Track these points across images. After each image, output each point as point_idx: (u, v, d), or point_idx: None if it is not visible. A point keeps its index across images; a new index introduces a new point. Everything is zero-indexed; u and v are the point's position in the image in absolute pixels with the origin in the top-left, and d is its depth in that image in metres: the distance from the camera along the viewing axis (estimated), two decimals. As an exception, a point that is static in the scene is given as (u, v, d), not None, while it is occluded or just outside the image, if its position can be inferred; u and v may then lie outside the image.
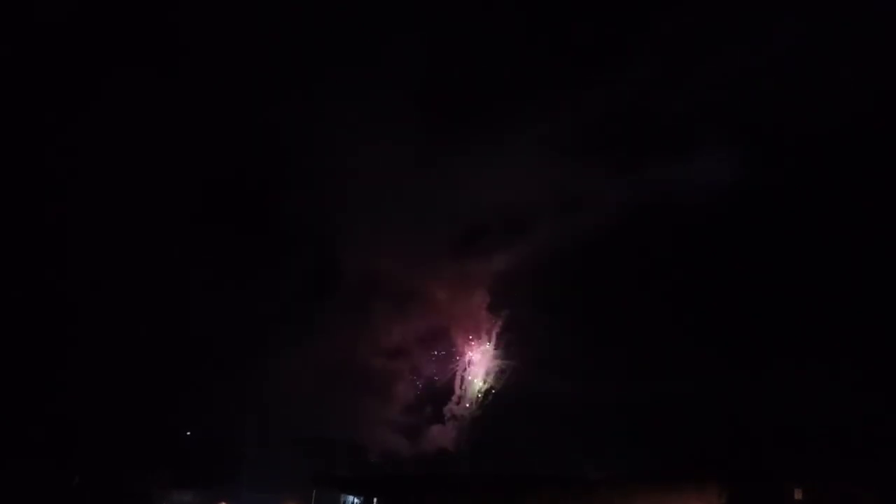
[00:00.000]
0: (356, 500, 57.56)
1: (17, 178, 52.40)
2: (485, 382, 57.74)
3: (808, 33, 46.52)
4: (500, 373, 57.33)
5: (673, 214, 50.03)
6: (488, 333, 57.91)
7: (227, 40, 52.55)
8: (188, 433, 60.86)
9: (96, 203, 54.11)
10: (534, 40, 52.87)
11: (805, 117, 45.77)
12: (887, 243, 42.64)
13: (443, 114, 54.43)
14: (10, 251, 52.62)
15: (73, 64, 52.15)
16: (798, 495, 38.58)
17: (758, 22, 48.78)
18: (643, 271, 50.67)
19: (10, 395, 52.27)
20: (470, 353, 58.67)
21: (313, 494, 57.03)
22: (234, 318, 56.82)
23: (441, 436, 57.23)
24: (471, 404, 57.81)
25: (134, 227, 55.06)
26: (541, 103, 53.24)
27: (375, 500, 55.40)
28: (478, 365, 58.27)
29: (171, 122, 53.83)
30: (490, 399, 57.27)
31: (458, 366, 58.69)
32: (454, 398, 58.25)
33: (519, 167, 54.04)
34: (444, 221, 56.40)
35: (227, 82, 54.41)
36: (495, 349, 57.75)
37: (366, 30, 53.75)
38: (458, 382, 58.48)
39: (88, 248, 54.49)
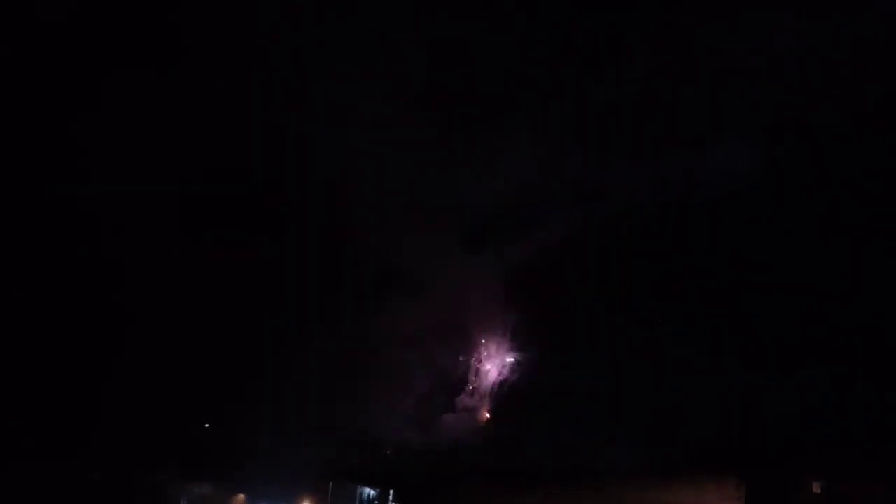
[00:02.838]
0: (372, 493, 58.61)
1: (27, 178, 52.77)
2: (499, 374, 58.51)
3: (814, 24, 46.76)
4: (515, 365, 58.15)
5: (691, 207, 50.69)
6: (503, 325, 58.58)
7: (229, 40, 52.67)
8: (206, 426, 61.45)
9: (104, 201, 54.37)
10: (543, 32, 53.42)
11: (819, 109, 46.00)
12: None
13: (456, 104, 55.05)
14: (24, 250, 53.01)
15: (76, 64, 52.35)
16: (817, 489, 39.57)
17: (764, 14, 49.24)
18: (660, 263, 51.41)
19: (29, 393, 52.87)
20: (484, 345, 59.39)
21: (329, 487, 57.94)
22: (247, 311, 57.41)
23: (453, 427, 57.96)
24: (484, 396, 58.63)
25: (143, 225, 55.45)
26: (554, 95, 53.71)
27: (391, 492, 56.51)
28: (492, 357, 59.00)
29: (177, 123, 54.03)
30: (504, 392, 58.05)
31: (471, 357, 59.46)
32: (467, 389, 59.02)
33: (533, 159, 54.45)
34: (458, 212, 57.21)
35: (234, 81, 54.58)
36: (510, 341, 58.49)
37: (370, 24, 53.91)
38: (471, 374, 59.25)
39: (99, 247, 54.98)
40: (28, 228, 53.76)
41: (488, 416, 58.03)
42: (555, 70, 53.19)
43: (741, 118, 50.62)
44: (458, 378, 59.14)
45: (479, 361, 59.21)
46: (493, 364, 58.84)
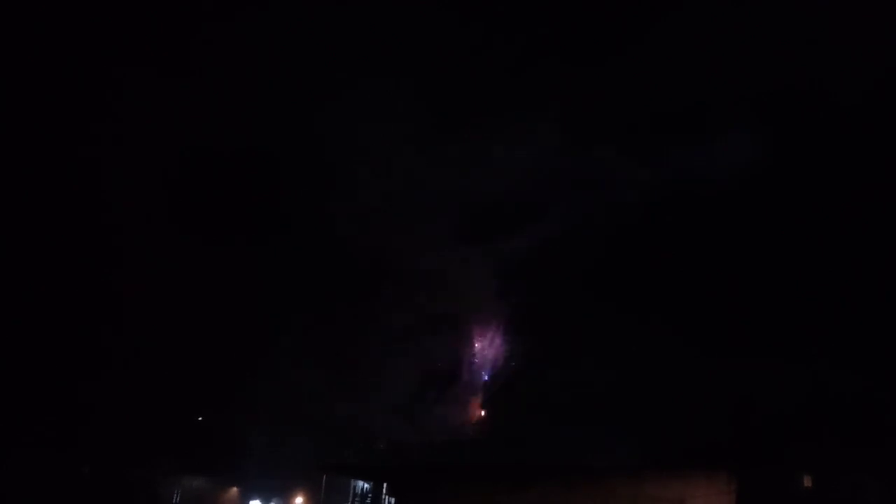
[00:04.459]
0: (366, 487, 58.33)
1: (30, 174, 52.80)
2: (492, 369, 58.18)
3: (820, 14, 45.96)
4: (508, 359, 57.76)
5: (685, 201, 50.12)
6: (497, 319, 58.15)
7: (234, 37, 52.62)
8: (199, 419, 61.38)
9: (106, 196, 54.34)
10: (540, 30, 53.23)
11: (821, 97, 45.89)
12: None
13: (454, 96, 55.01)
14: (23, 247, 53.05)
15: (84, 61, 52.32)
16: (808, 483, 39.24)
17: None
18: (654, 258, 50.83)
19: (22, 387, 52.82)
20: (477, 339, 59.04)
21: (323, 481, 57.69)
22: (241, 306, 57.28)
23: (445, 420, 57.62)
24: (477, 390, 58.30)
25: (142, 221, 55.42)
26: (552, 91, 53.46)
27: (385, 486, 56.20)
28: (485, 351, 58.69)
29: (177, 117, 54.03)
30: (497, 386, 57.73)
31: (465, 351, 59.14)
32: (460, 383, 58.68)
33: (530, 153, 53.79)
34: (454, 207, 56.75)
35: (236, 75, 54.47)
36: (504, 335, 58.10)
37: (370, 22, 53.77)
38: (464, 368, 58.90)
39: (94, 243, 54.94)
40: (26, 223, 53.55)
41: (481, 410, 57.61)
42: (552, 67, 52.92)
43: (739, 112, 50.17)
44: (452, 372, 58.71)
45: (473, 355, 58.85)
46: (487, 358, 58.52)
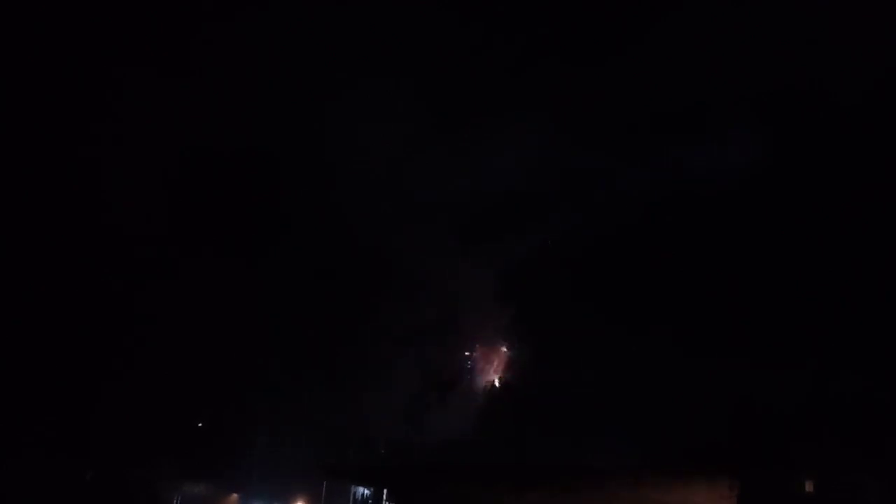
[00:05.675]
0: (366, 492, 58.18)
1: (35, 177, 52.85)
2: (493, 372, 58.01)
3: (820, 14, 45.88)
4: (509, 362, 57.56)
5: (685, 202, 49.97)
6: (497, 322, 57.93)
7: (234, 37, 52.68)
8: (199, 425, 61.18)
9: (106, 202, 54.31)
10: (538, 30, 53.23)
11: (821, 97, 45.87)
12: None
13: (454, 96, 55.06)
14: (24, 249, 53.06)
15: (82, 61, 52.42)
16: (809, 488, 38.91)
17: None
18: (653, 260, 50.61)
19: (24, 389, 52.76)
20: (478, 342, 58.83)
21: (323, 486, 57.54)
22: (241, 311, 57.14)
23: (446, 424, 57.36)
24: (478, 394, 58.07)
25: (138, 220, 55.29)
26: (553, 87, 53.39)
27: (385, 491, 56.08)
28: (486, 354, 58.50)
29: (177, 117, 53.99)
30: (498, 389, 57.48)
31: (465, 354, 58.93)
32: (461, 387, 58.42)
33: (528, 155, 53.58)
34: (452, 209, 56.49)
35: (236, 75, 54.43)
36: (504, 338, 57.90)
37: (369, 21, 53.82)
38: (465, 371, 58.68)
39: (99, 245, 54.98)
40: (32, 227, 53.57)
41: (481, 413, 57.30)
42: (552, 67, 52.93)
43: (739, 112, 50.05)
44: (452, 375, 58.42)
45: (473, 359, 58.64)
46: (487, 361, 58.32)
